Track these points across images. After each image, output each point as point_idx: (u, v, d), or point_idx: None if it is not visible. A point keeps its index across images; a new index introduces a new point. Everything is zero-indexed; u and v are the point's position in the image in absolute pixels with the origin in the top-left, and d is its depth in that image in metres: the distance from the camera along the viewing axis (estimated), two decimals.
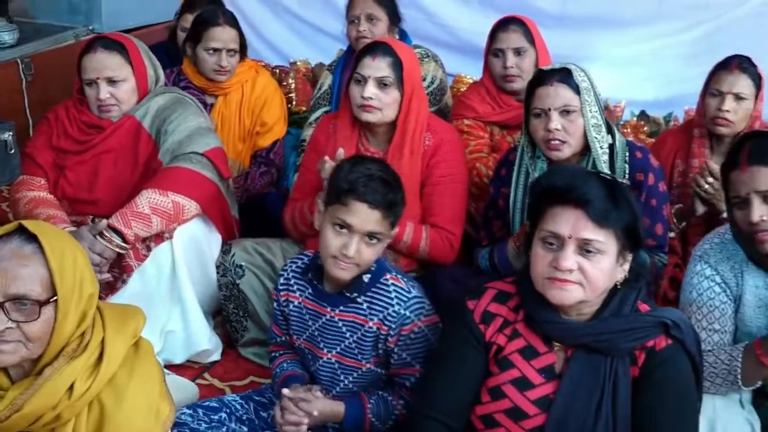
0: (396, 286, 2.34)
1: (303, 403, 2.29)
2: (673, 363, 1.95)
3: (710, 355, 2.35)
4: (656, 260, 2.84)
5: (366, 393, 2.38)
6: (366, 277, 2.33)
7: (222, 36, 3.66)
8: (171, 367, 2.96)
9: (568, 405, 1.95)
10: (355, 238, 2.24)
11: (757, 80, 3.17)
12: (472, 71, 4.17)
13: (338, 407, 2.32)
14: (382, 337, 2.33)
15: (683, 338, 1.96)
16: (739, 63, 3.17)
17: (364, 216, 2.23)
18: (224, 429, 2.37)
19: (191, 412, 2.36)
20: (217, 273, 3.05)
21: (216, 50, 3.66)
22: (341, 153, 2.70)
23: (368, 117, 2.89)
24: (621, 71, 4.29)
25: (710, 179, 3.00)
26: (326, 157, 2.73)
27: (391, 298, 2.32)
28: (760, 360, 2.26)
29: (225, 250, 3.06)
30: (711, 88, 3.19)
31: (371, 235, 2.25)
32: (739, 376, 2.30)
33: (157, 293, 2.93)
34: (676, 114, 4.33)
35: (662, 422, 1.93)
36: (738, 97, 3.14)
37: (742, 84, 3.15)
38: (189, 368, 3.02)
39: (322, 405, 2.31)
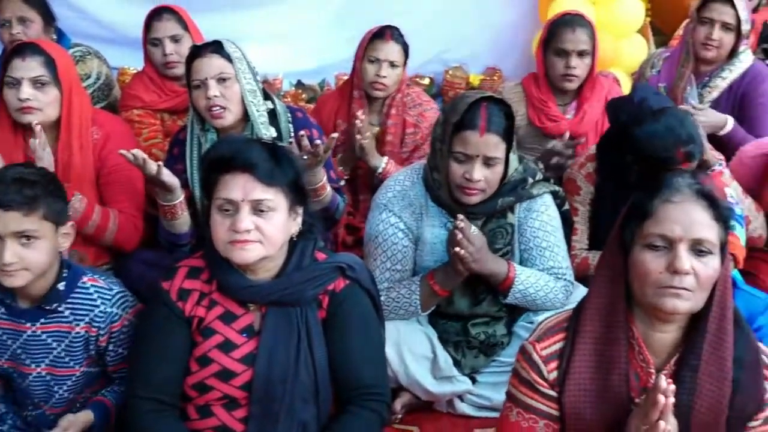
0: (96, 286, 2.20)
1: None
2: (353, 299, 2.05)
3: (392, 291, 2.51)
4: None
5: (102, 396, 2.25)
6: (61, 285, 2.15)
7: None
8: None
9: (270, 357, 1.98)
10: (6, 243, 2.02)
11: (406, 48, 3.36)
12: (134, 62, 4.01)
13: (87, 416, 2.15)
14: (92, 338, 2.19)
15: (358, 277, 2.07)
16: (392, 33, 3.32)
17: (4, 219, 2.01)
18: None
19: None
20: None
21: None
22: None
23: (29, 119, 2.66)
24: (274, 47, 4.35)
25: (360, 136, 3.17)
26: None
27: (94, 299, 2.18)
28: (432, 289, 2.47)
29: None
30: (368, 55, 3.30)
31: (23, 235, 2.03)
32: (418, 305, 2.49)
33: None
34: (328, 80, 4.51)
35: (352, 350, 2.03)
36: (392, 65, 3.30)
37: (395, 52, 3.31)
38: None
39: (73, 423, 2.13)
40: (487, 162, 2.41)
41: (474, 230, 2.41)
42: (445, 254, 2.47)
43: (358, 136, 3.17)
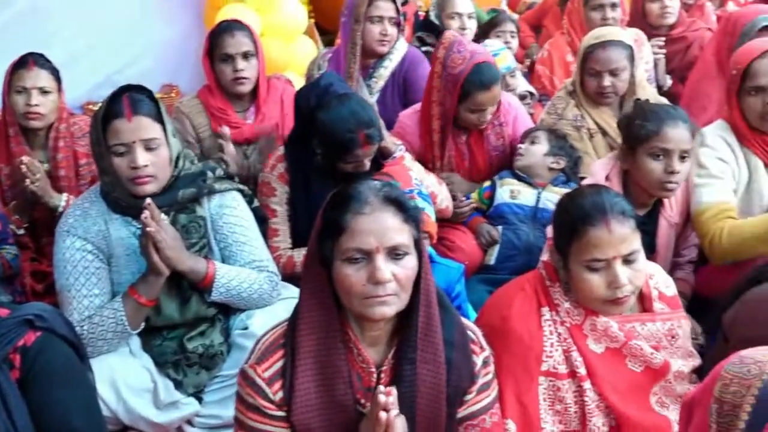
0: None
1: None
2: (48, 350, 1.86)
3: (95, 317, 2.36)
4: (5, 254, 2.78)
5: None
6: None
7: None
8: None
9: None
10: None
11: (56, 74, 3.18)
12: None
13: None
14: None
15: (50, 325, 1.88)
16: (36, 60, 3.14)
17: None
18: None
19: None
20: None
21: None
22: None
23: None
24: None
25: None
26: None
27: None
28: (138, 302, 2.35)
29: None
30: (14, 87, 3.10)
31: None
32: (126, 324, 2.36)
33: None
34: None
35: (58, 405, 1.85)
36: (42, 91, 3.11)
37: (43, 78, 3.12)
38: None
39: None
40: (148, 146, 2.35)
41: (164, 218, 2.35)
42: (142, 265, 2.37)
43: (27, 181, 2.95)
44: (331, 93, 2.75)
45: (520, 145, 3.21)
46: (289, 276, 2.76)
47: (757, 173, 2.71)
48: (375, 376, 1.73)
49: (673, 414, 2.04)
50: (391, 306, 1.65)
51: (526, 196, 3.17)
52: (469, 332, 1.82)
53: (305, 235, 2.77)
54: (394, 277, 1.64)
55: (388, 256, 1.64)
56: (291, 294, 2.59)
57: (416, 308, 1.70)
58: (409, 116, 3.33)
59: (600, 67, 3.24)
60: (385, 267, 1.62)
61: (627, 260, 1.95)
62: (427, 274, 1.73)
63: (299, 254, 2.81)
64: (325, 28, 5.23)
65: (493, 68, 3.15)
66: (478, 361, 1.80)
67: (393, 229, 1.64)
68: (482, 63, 3.09)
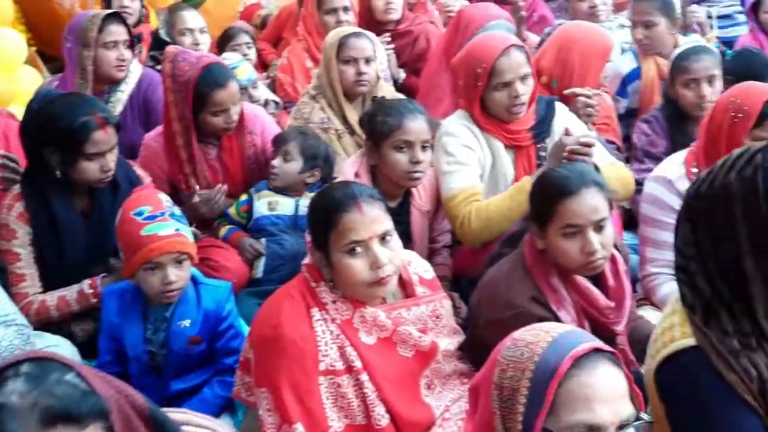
0: None
1: None
2: None
3: None
4: None
5: None
6: None
7: None
8: None
9: None
10: None
11: None
12: None
13: None
14: None
15: None
16: None
17: None
18: None
19: None
20: None
21: None
22: None
23: None
24: None
25: None
26: None
27: None
28: None
29: None
30: None
31: None
32: None
33: None
34: None
35: None
36: None
37: None
38: None
39: None
40: None
41: None
42: None
43: None
44: (53, 94, 2.69)
45: (273, 163, 3.15)
46: (44, 323, 2.60)
47: (499, 155, 2.90)
48: None
49: (437, 397, 2.16)
50: None
51: (284, 206, 3.15)
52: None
53: (57, 274, 2.65)
54: None
55: None
56: (47, 343, 2.43)
57: None
58: (153, 138, 3.22)
59: (356, 54, 3.38)
60: None
61: (383, 240, 2.04)
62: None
63: (52, 297, 2.66)
64: (49, 55, 4.93)
65: (224, 68, 3.16)
66: None
67: None
68: (211, 64, 3.08)
